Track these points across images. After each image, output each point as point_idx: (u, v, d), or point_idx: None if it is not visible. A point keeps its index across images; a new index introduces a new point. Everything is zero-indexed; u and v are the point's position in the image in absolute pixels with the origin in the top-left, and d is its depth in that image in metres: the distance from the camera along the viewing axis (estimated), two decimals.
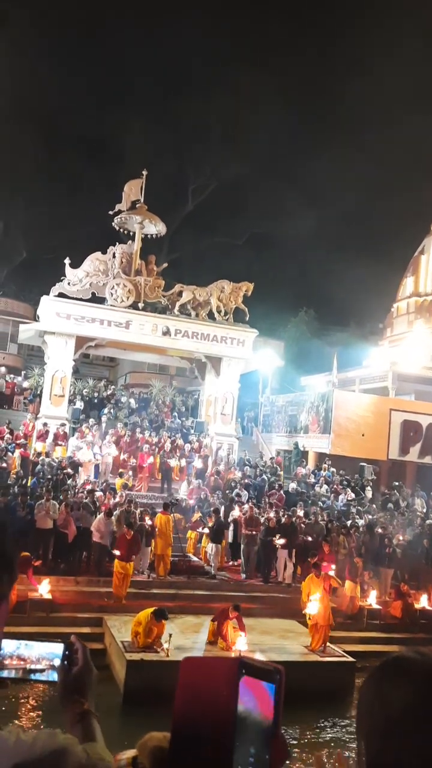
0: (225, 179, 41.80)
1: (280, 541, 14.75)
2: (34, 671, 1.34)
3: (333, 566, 13.71)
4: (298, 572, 14.84)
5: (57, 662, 1.35)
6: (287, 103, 46.84)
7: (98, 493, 15.28)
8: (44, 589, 12.08)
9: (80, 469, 17.89)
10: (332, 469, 21.73)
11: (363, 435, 23.02)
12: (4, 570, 1.02)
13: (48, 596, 12.05)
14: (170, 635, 10.43)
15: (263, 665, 0.93)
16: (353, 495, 20.12)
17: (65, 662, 1.35)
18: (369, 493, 21.03)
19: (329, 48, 51.45)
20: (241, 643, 10.75)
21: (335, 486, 20.50)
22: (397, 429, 23.43)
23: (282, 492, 18.67)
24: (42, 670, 1.35)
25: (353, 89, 49.04)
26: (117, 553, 12.83)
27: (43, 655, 1.35)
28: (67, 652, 1.36)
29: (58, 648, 1.36)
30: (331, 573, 12.92)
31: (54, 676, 1.34)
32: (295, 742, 9.36)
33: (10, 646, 1.33)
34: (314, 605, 11.35)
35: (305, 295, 41.42)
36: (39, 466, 17.22)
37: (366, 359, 29.86)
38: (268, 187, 43.74)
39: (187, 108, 41.51)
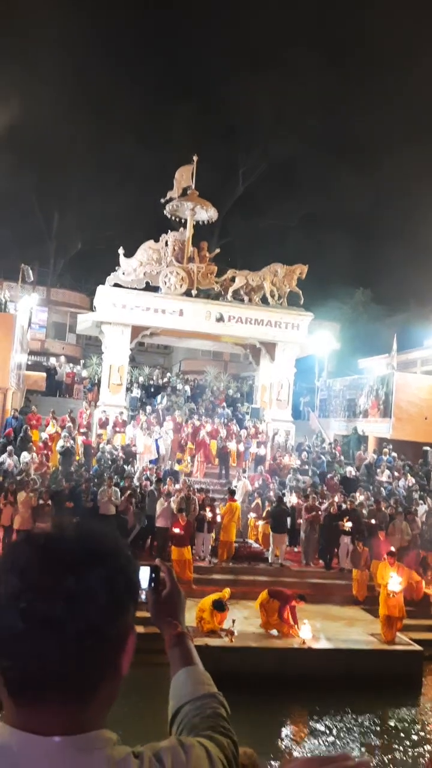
0: (275, 159, 41.00)
1: (348, 524, 14.47)
2: None
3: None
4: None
5: (144, 585, 1.36)
6: (338, 78, 45.37)
7: (163, 480, 15.41)
8: None
9: (137, 456, 18.15)
10: (393, 454, 21.12)
11: (426, 418, 22.20)
12: (132, 599, 1.00)
13: None
14: (233, 621, 10.42)
15: None
16: (413, 480, 19.47)
17: (152, 584, 1.37)
18: None
19: (378, 25, 49.38)
20: (305, 632, 10.61)
21: (397, 471, 19.91)
22: None
23: (337, 478, 18.35)
24: None
25: (409, 63, 46.87)
26: (176, 530, 13.09)
27: None
28: (153, 575, 1.38)
29: (144, 573, 1.36)
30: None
31: (143, 597, 1.35)
32: (362, 728, 9.17)
33: None
34: (395, 581, 11.02)
35: (362, 274, 40.07)
36: (100, 454, 17.62)
37: (427, 339, 28.74)
38: (321, 165, 42.56)
39: (235, 88, 40.82)
